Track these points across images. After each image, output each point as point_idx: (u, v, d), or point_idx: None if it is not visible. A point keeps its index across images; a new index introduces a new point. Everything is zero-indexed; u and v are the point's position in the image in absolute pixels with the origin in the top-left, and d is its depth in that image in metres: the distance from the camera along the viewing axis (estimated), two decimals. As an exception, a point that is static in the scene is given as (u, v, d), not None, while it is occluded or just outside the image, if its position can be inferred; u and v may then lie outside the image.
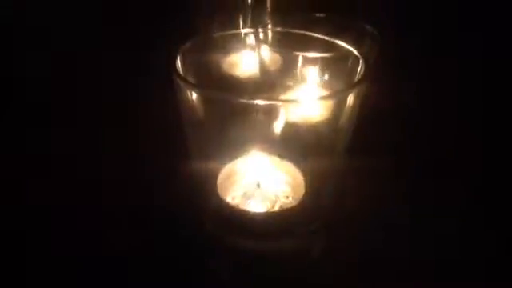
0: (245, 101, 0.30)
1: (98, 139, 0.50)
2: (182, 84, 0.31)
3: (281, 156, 0.38)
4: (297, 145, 0.38)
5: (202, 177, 0.37)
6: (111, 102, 0.56)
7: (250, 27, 0.49)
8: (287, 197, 0.38)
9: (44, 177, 0.45)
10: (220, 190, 0.36)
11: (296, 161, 0.38)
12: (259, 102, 0.29)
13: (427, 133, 0.51)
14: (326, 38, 0.38)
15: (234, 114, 0.32)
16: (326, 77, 0.42)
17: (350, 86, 0.32)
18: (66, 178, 0.45)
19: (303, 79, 0.43)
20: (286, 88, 0.43)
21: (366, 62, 0.34)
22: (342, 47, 0.36)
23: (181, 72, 0.33)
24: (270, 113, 0.34)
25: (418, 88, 0.56)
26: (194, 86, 0.32)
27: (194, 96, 0.32)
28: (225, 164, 0.38)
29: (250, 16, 0.52)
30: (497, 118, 0.53)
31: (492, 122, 0.53)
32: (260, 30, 0.44)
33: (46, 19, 0.69)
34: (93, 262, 0.37)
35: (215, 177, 0.37)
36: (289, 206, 0.36)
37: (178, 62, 0.34)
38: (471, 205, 0.41)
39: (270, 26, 0.46)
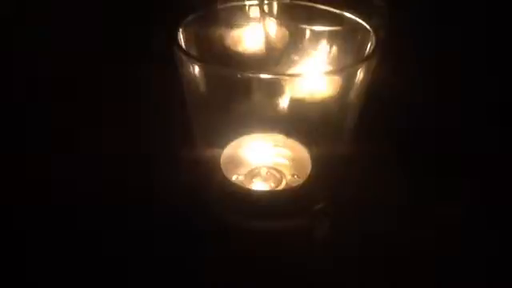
0: (249, 75, 0.29)
1: (97, 119, 0.50)
2: (184, 58, 0.31)
3: (287, 134, 0.38)
4: (303, 122, 0.37)
5: (205, 155, 0.37)
6: (111, 81, 0.56)
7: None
8: (293, 175, 0.37)
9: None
10: (224, 168, 0.36)
11: (302, 139, 0.38)
12: (263, 76, 0.29)
13: (432, 118, 0.50)
14: (335, 10, 0.37)
15: (238, 89, 0.32)
16: (334, 51, 0.41)
17: (360, 61, 0.31)
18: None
19: (310, 54, 0.42)
20: (293, 63, 0.42)
21: (376, 35, 0.33)
22: (352, 20, 0.35)
23: (183, 46, 0.32)
24: (276, 89, 0.33)
25: (423, 71, 0.55)
26: (197, 60, 0.31)
27: (197, 70, 0.31)
28: (229, 142, 0.38)
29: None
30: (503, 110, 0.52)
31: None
32: (265, 1, 0.42)
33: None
34: (94, 242, 0.37)
35: (219, 155, 0.37)
36: (294, 184, 0.36)
37: (180, 36, 0.33)
38: (473, 204, 0.40)
39: None
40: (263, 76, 0.29)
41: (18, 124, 0.52)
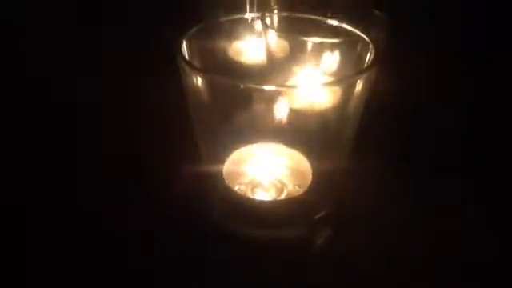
0: (251, 86, 0.30)
1: (98, 126, 0.50)
2: (187, 69, 0.31)
3: (288, 143, 0.38)
4: (304, 132, 0.38)
5: (208, 164, 0.37)
6: (112, 88, 0.56)
7: (257, 12, 0.49)
8: (294, 185, 0.38)
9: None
10: (227, 177, 0.37)
11: (303, 148, 0.38)
12: (265, 87, 0.29)
13: (431, 128, 0.50)
14: (334, 22, 0.38)
15: (240, 100, 0.32)
16: (334, 62, 0.42)
17: (359, 72, 0.31)
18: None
19: (311, 65, 0.42)
20: (293, 74, 0.43)
21: (375, 47, 0.33)
22: (351, 32, 0.36)
23: (187, 57, 0.33)
24: (277, 100, 0.34)
25: (423, 81, 0.56)
26: (200, 71, 0.31)
27: (200, 81, 0.32)
28: (232, 151, 0.38)
29: (256, 0, 0.52)
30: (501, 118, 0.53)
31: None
32: (266, 14, 0.43)
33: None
34: (94, 244, 0.37)
35: (222, 165, 0.37)
36: (295, 194, 0.36)
37: (184, 47, 0.33)
38: (473, 204, 0.41)
39: (276, 11, 0.46)
40: (265, 87, 0.29)
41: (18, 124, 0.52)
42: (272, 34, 0.43)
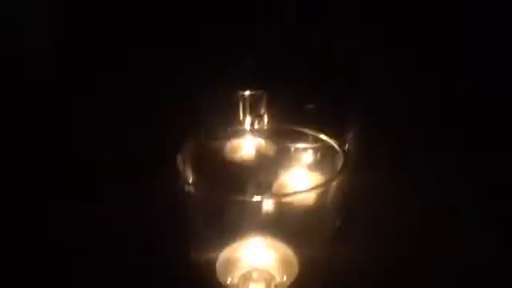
0: (240, 199, 0.36)
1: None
2: (182, 181, 0.36)
3: (275, 239, 0.41)
4: (289, 228, 0.41)
5: (201, 261, 0.39)
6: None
7: (248, 121, 0.55)
8: (282, 276, 0.41)
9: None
10: (219, 273, 0.39)
11: (289, 242, 0.41)
12: (254, 199, 0.36)
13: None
14: (313, 132, 0.44)
15: (230, 207, 0.37)
16: (313, 165, 0.48)
17: (331, 178, 0.38)
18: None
19: (293, 166, 0.49)
20: (279, 174, 0.49)
21: (345, 153, 0.40)
22: (325, 140, 0.42)
23: (182, 169, 0.37)
24: (264, 204, 0.38)
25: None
26: (195, 188, 0.36)
27: (193, 192, 0.37)
28: (223, 248, 0.41)
29: (248, 111, 0.56)
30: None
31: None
32: (256, 123, 0.51)
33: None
34: None
35: (214, 261, 0.39)
36: (283, 285, 0.40)
37: (179, 160, 0.37)
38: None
39: (266, 120, 0.53)
40: (253, 200, 0.36)
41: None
42: (260, 141, 0.49)
